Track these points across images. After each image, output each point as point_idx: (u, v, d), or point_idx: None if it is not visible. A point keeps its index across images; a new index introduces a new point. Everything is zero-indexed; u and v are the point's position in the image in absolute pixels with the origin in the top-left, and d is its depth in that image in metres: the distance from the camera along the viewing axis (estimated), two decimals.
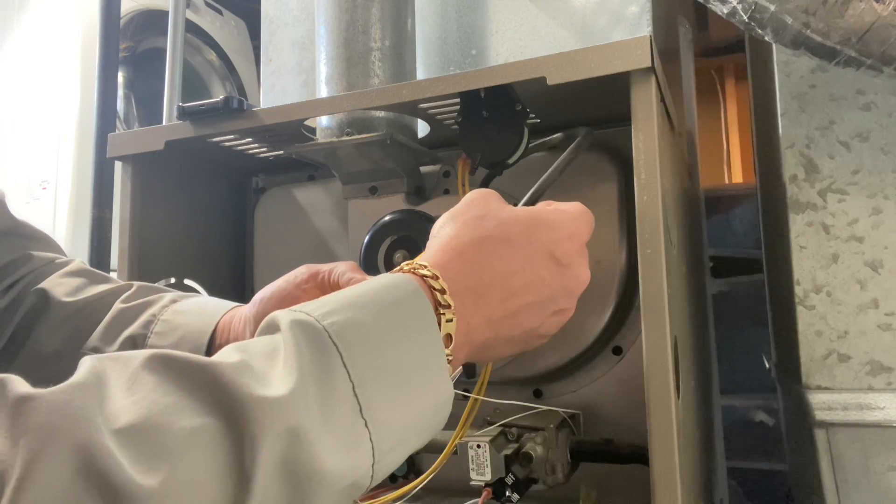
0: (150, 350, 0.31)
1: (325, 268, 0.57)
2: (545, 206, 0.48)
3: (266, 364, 0.32)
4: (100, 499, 0.25)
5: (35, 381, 0.63)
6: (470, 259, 0.43)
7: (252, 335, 0.54)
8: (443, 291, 0.40)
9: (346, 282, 0.54)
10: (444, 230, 0.45)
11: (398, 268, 0.42)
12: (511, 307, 0.43)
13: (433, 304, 0.39)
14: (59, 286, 0.60)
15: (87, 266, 0.65)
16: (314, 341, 0.33)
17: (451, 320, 0.39)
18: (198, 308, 0.60)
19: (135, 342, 0.58)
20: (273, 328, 0.35)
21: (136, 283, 0.63)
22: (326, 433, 0.31)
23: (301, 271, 0.57)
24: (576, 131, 0.68)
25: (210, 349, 0.57)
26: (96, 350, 0.58)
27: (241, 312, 0.58)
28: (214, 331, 0.57)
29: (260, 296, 0.58)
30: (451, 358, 0.39)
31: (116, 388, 0.29)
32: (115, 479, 0.26)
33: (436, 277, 0.40)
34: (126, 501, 0.25)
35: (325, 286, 0.56)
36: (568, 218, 0.47)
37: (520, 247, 0.44)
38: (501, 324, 0.43)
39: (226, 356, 0.32)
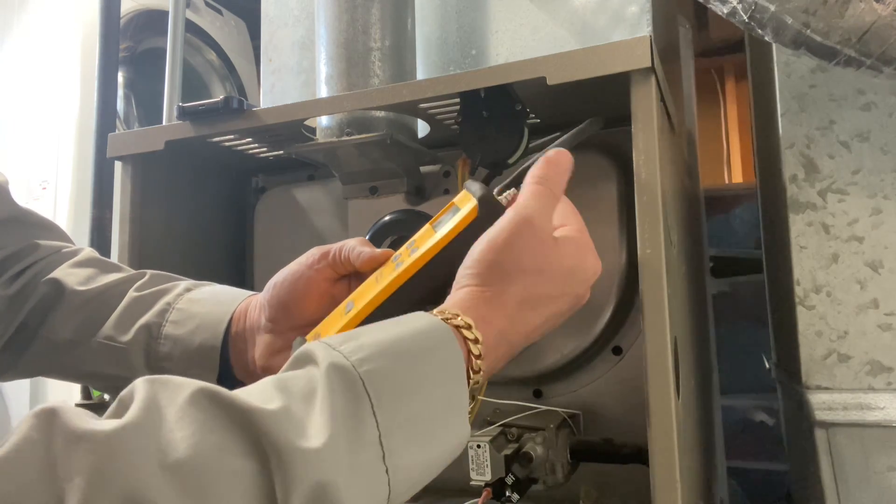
0: (198, 382, 0.33)
1: (334, 246, 0.57)
2: (578, 242, 0.48)
3: (304, 409, 0.34)
4: None
5: (50, 369, 0.63)
6: (510, 316, 0.44)
7: (267, 321, 0.56)
8: (476, 341, 0.41)
9: (356, 256, 0.55)
10: (486, 280, 0.45)
11: (437, 310, 0.43)
12: (530, 340, 0.47)
13: (465, 353, 0.41)
14: (71, 275, 0.61)
15: (98, 255, 0.65)
16: (349, 388, 0.35)
17: (480, 370, 0.41)
18: (213, 297, 0.60)
19: (150, 330, 0.58)
20: (308, 362, 0.37)
21: (150, 272, 0.63)
22: (351, 482, 0.33)
23: (312, 253, 0.58)
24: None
25: (226, 337, 0.57)
26: (110, 338, 0.58)
27: (257, 300, 0.59)
28: (231, 320, 0.58)
29: (273, 280, 0.58)
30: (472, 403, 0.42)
31: (169, 420, 0.31)
32: None
33: (469, 327, 0.42)
34: None
35: (338, 264, 0.56)
36: (591, 255, 0.49)
37: (552, 296, 0.46)
38: (518, 347, 0.46)
39: (267, 398, 0.33)
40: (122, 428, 0.29)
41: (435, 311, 0.43)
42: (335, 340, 0.38)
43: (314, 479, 0.31)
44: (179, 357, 0.57)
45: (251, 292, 0.61)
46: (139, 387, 0.32)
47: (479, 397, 0.65)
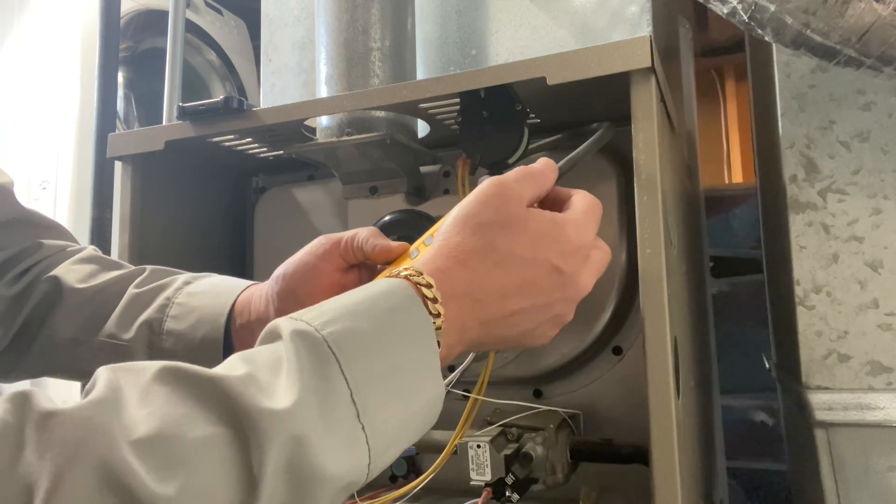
0: (162, 362, 0.33)
1: (346, 235, 0.57)
2: (555, 214, 0.48)
3: (270, 375, 0.34)
4: None
5: (53, 369, 0.62)
6: (472, 268, 0.44)
7: (276, 314, 0.55)
8: (434, 300, 0.41)
9: (370, 248, 0.54)
10: (452, 232, 0.45)
11: (396, 271, 0.43)
12: (506, 311, 0.44)
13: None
14: (71, 273, 0.60)
15: (100, 253, 0.65)
16: (314, 351, 0.35)
17: (440, 328, 0.41)
18: (212, 289, 0.59)
19: (151, 327, 0.58)
20: (275, 336, 0.37)
21: (149, 267, 0.63)
22: (327, 438, 0.33)
23: (321, 242, 0.57)
24: (588, 128, 0.68)
25: (228, 329, 0.57)
26: (113, 336, 0.58)
27: (261, 290, 0.58)
28: (232, 311, 0.57)
29: (281, 271, 0.57)
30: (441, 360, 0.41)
31: (131, 399, 0.31)
32: (135, 489, 0.27)
33: (429, 286, 0.41)
34: None
35: (349, 254, 0.56)
36: (576, 230, 0.47)
37: (524, 258, 0.45)
38: (495, 325, 0.45)
39: (232, 368, 0.34)
40: (84, 405, 0.29)
41: (402, 268, 0.43)
42: (298, 313, 0.38)
43: (286, 435, 0.31)
44: (183, 352, 0.57)
45: (250, 282, 0.61)
46: (100, 374, 0.32)
47: (480, 397, 0.65)
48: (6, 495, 0.26)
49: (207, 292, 0.59)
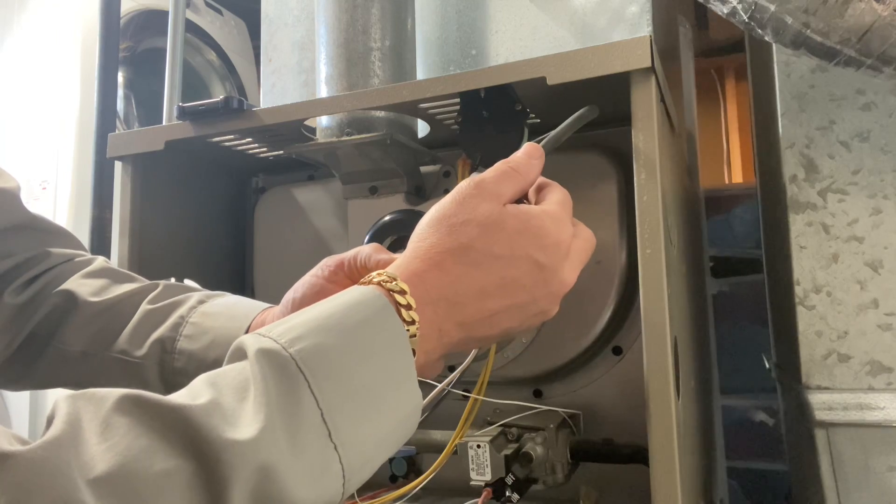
0: (122, 390, 0.32)
1: (348, 255, 0.56)
2: (531, 208, 0.46)
3: (235, 401, 0.33)
4: None
5: (61, 381, 0.61)
6: (447, 270, 0.42)
7: None
8: (409, 307, 0.39)
9: (374, 264, 0.53)
10: (426, 234, 0.44)
11: (369, 277, 0.41)
12: (487, 311, 0.43)
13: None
14: (83, 286, 0.60)
15: (110, 264, 0.64)
16: (281, 371, 0.34)
17: (415, 335, 0.39)
18: (227, 311, 0.59)
19: (164, 345, 0.57)
20: (240, 355, 0.36)
21: (162, 283, 0.62)
22: (296, 465, 0.32)
23: (327, 264, 0.56)
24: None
25: None
26: (124, 353, 0.57)
27: (274, 314, 0.57)
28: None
29: (291, 296, 0.56)
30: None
31: (90, 433, 0.30)
32: None
33: (403, 292, 0.40)
34: None
35: (354, 273, 0.55)
36: (554, 223, 0.46)
37: (503, 256, 0.43)
38: (476, 326, 0.43)
39: (195, 395, 0.33)
40: (40, 446, 0.28)
41: (376, 273, 0.41)
42: (265, 329, 0.36)
43: (252, 467, 0.30)
44: (194, 372, 0.55)
45: (265, 305, 0.60)
46: (60, 405, 0.31)
47: (480, 397, 0.65)
48: None
49: (222, 314, 0.58)
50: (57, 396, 0.32)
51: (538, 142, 0.53)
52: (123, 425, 0.30)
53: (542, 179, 0.50)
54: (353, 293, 0.40)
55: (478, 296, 0.43)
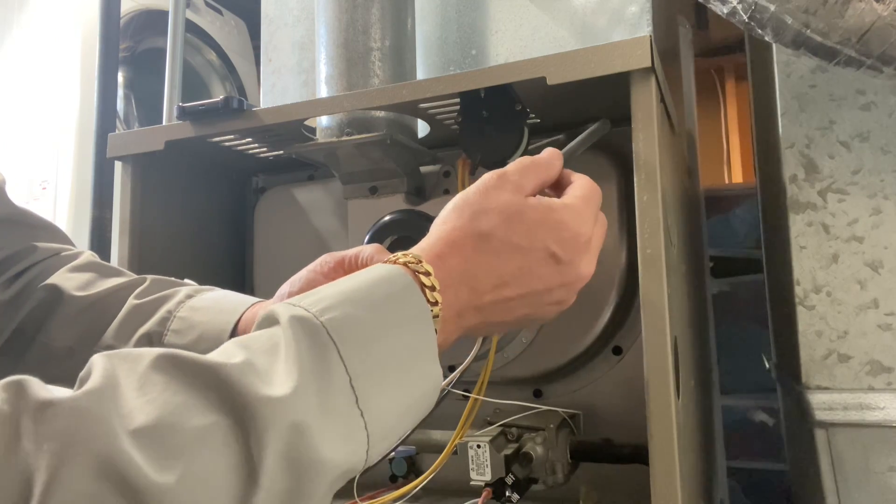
0: (158, 350, 0.33)
1: (349, 253, 0.57)
2: (552, 201, 0.48)
3: (268, 361, 0.34)
4: (121, 498, 0.27)
5: (48, 378, 0.62)
6: (468, 256, 0.44)
7: None
8: (433, 288, 0.41)
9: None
10: (450, 218, 0.46)
11: (394, 257, 0.43)
12: (503, 297, 0.45)
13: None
14: (69, 280, 0.59)
15: (97, 258, 0.64)
16: (313, 337, 0.35)
17: (438, 315, 0.41)
18: (215, 305, 0.58)
19: (151, 339, 0.57)
20: (272, 321, 0.37)
21: (150, 277, 0.62)
22: (326, 425, 0.33)
23: (326, 260, 0.57)
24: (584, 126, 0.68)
25: None
26: (111, 348, 0.57)
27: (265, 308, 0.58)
28: (235, 329, 0.56)
29: (286, 289, 0.57)
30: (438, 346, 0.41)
31: (128, 388, 0.30)
32: (134, 479, 0.27)
33: (428, 273, 0.41)
34: (145, 500, 0.27)
35: (353, 271, 0.56)
36: (573, 216, 0.47)
37: (520, 246, 0.45)
38: (492, 311, 0.45)
39: (230, 355, 0.33)
40: (82, 395, 0.29)
41: (401, 254, 0.43)
42: (295, 299, 0.38)
43: (286, 423, 0.31)
44: None
45: (256, 299, 0.60)
46: (96, 362, 0.32)
47: (480, 397, 0.65)
48: (4, 486, 0.26)
49: (210, 308, 0.58)
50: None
51: None
52: (160, 382, 0.31)
53: (571, 173, 0.52)
54: (380, 270, 0.41)
55: (496, 282, 0.44)
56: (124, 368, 0.31)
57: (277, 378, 0.33)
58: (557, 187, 0.51)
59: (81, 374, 0.31)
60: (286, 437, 0.31)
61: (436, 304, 0.40)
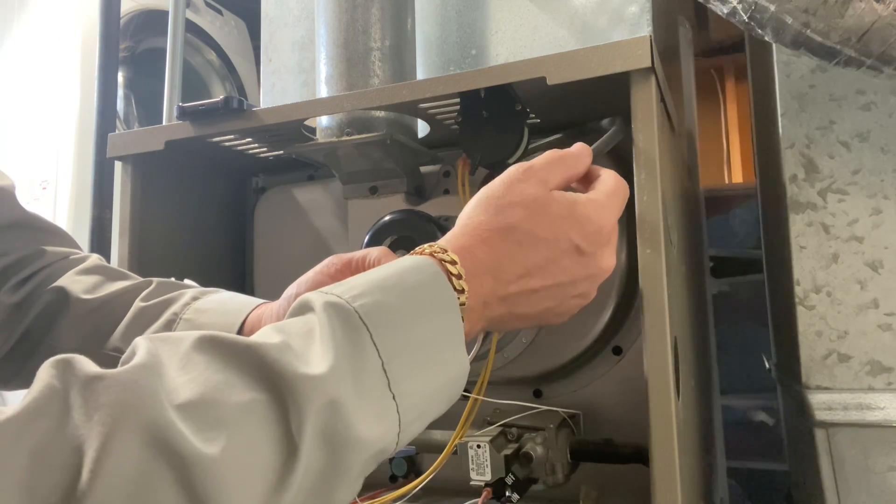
0: (198, 332, 0.34)
1: (357, 255, 0.57)
2: (577, 196, 0.48)
3: (304, 344, 0.35)
4: (169, 467, 0.28)
5: None
6: (493, 247, 0.45)
7: None
8: (459, 277, 0.42)
9: None
10: (475, 213, 0.46)
11: (420, 248, 0.44)
12: (527, 289, 0.45)
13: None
14: (76, 283, 0.60)
15: (104, 262, 0.64)
16: (346, 321, 0.36)
17: (464, 304, 0.42)
18: (221, 307, 0.59)
19: None
20: (306, 309, 0.38)
21: (156, 280, 0.62)
22: (360, 405, 0.34)
23: (333, 262, 0.58)
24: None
25: None
26: (118, 350, 0.57)
27: (272, 310, 0.58)
28: (241, 330, 0.57)
29: (293, 290, 0.57)
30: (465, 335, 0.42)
31: (172, 367, 0.32)
32: (181, 449, 0.28)
33: (454, 262, 0.42)
34: (192, 468, 0.28)
35: (360, 273, 0.56)
36: (597, 211, 0.48)
37: (545, 238, 0.46)
38: (517, 303, 0.46)
39: (267, 337, 0.35)
40: (130, 369, 0.30)
41: (427, 245, 0.44)
42: (326, 288, 0.39)
43: (323, 400, 0.32)
44: None
45: (261, 300, 0.60)
46: (139, 344, 0.33)
47: (480, 397, 0.65)
48: (57, 456, 0.27)
49: (216, 310, 0.58)
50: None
51: None
52: (202, 362, 0.32)
53: (599, 169, 0.52)
54: (408, 260, 0.42)
55: (521, 273, 0.45)
56: (166, 349, 0.33)
57: (314, 358, 0.34)
58: (585, 182, 0.52)
59: (124, 355, 0.33)
60: (324, 413, 0.32)
61: (462, 292, 0.41)
